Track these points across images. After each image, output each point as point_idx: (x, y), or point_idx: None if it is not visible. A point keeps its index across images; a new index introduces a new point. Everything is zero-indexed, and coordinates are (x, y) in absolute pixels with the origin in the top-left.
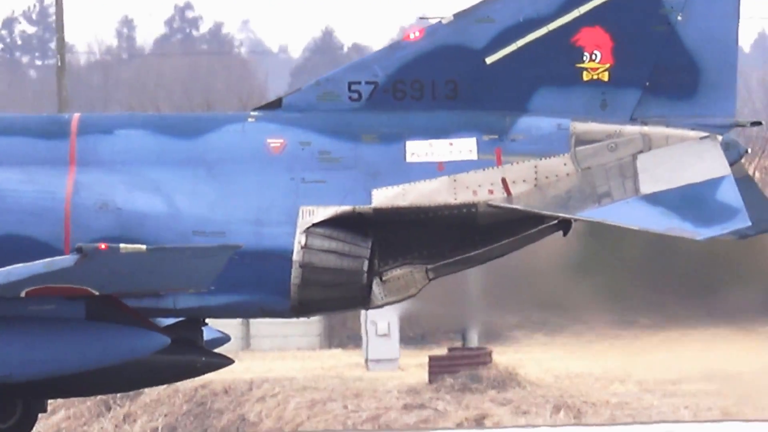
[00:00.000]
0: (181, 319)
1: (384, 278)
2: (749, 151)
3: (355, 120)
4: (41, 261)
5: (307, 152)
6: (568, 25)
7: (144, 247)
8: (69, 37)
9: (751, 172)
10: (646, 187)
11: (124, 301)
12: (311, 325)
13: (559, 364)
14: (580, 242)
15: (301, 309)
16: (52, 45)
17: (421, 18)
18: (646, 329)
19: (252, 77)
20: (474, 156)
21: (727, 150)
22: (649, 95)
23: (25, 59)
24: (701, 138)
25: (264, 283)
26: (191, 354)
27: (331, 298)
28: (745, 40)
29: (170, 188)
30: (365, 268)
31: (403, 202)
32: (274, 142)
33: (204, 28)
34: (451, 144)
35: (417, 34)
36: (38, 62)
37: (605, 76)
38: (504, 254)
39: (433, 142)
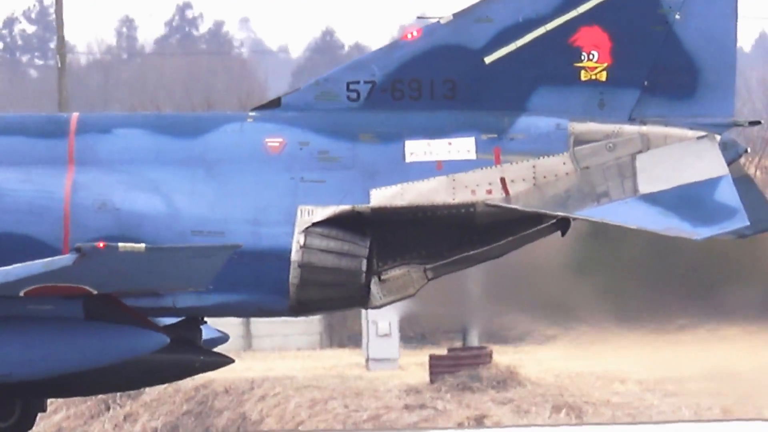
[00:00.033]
0: (180, 318)
1: (382, 278)
2: (748, 150)
3: (353, 120)
4: (40, 260)
5: (306, 152)
6: (567, 25)
7: (143, 246)
8: (69, 36)
9: (751, 172)
10: (645, 186)
11: (123, 300)
12: (312, 324)
13: (559, 364)
14: (580, 242)
15: (299, 308)
16: (52, 45)
17: (419, 18)
18: (646, 329)
19: (252, 77)
20: (472, 155)
21: (726, 150)
22: (648, 95)
23: (25, 59)
24: (699, 138)
25: (263, 283)
26: (190, 353)
27: (330, 297)
28: (746, 40)
29: (169, 188)
30: (364, 267)
31: (401, 201)
32: (273, 142)
33: (204, 27)
34: (449, 143)
35: (415, 34)
36: (38, 62)
37: (603, 76)
38: (503, 254)
39: (432, 141)
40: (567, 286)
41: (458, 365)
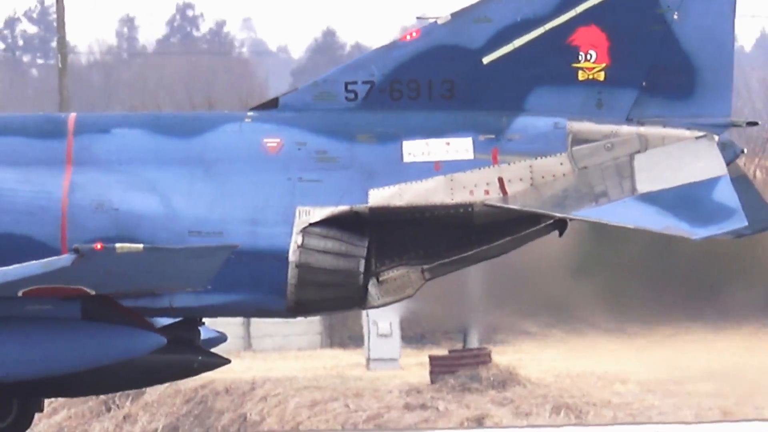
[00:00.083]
0: (177, 318)
1: (381, 278)
2: (745, 150)
3: (351, 120)
4: (38, 261)
5: (304, 152)
6: (564, 25)
7: (140, 246)
8: (70, 36)
9: (751, 172)
10: (643, 186)
11: (121, 300)
12: (312, 324)
13: (559, 364)
14: (581, 242)
15: (297, 309)
16: (54, 45)
17: (418, 18)
18: (647, 329)
19: (253, 77)
20: (470, 156)
21: (723, 150)
22: (646, 95)
23: (26, 59)
24: (697, 138)
25: (260, 283)
26: (188, 353)
27: (328, 298)
28: (746, 39)
29: (167, 188)
30: (362, 268)
31: (399, 201)
32: (271, 142)
33: (205, 27)
34: (447, 144)
35: (414, 34)
36: (39, 62)
37: (601, 76)
38: (501, 254)
39: (430, 141)
40: (567, 286)
41: (458, 365)
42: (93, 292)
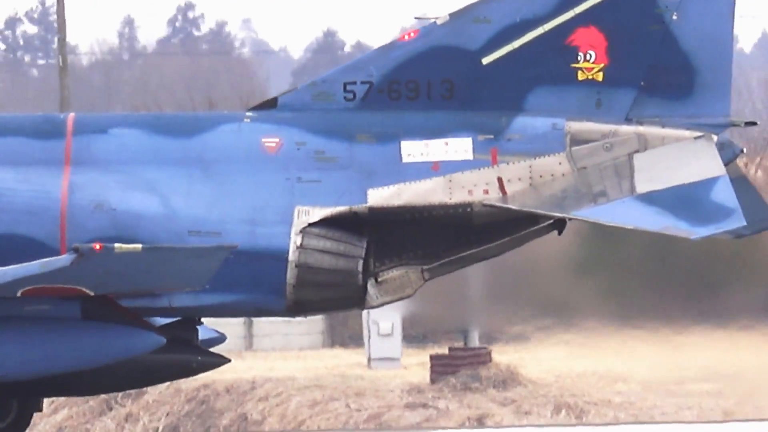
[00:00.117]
0: (176, 318)
1: (380, 278)
2: (744, 150)
3: (350, 120)
4: (37, 261)
5: (303, 152)
6: (564, 26)
7: (139, 246)
8: (71, 37)
9: (752, 172)
10: (642, 186)
11: (120, 300)
12: (313, 324)
13: (560, 364)
14: (582, 242)
15: (296, 309)
16: (54, 45)
17: (417, 18)
18: (648, 329)
19: (254, 77)
20: (469, 156)
21: (722, 150)
22: (645, 95)
23: (27, 59)
24: (696, 138)
25: (259, 283)
26: (187, 353)
27: (327, 298)
28: (747, 40)
29: (166, 188)
30: (360, 268)
31: (398, 201)
32: (270, 142)
33: (206, 27)
34: (446, 144)
35: (413, 34)
36: (40, 62)
37: (600, 76)
38: (500, 254)
39: (429, 142)
40: (568, 286)
41: (459, 365)
42: (92, 292)
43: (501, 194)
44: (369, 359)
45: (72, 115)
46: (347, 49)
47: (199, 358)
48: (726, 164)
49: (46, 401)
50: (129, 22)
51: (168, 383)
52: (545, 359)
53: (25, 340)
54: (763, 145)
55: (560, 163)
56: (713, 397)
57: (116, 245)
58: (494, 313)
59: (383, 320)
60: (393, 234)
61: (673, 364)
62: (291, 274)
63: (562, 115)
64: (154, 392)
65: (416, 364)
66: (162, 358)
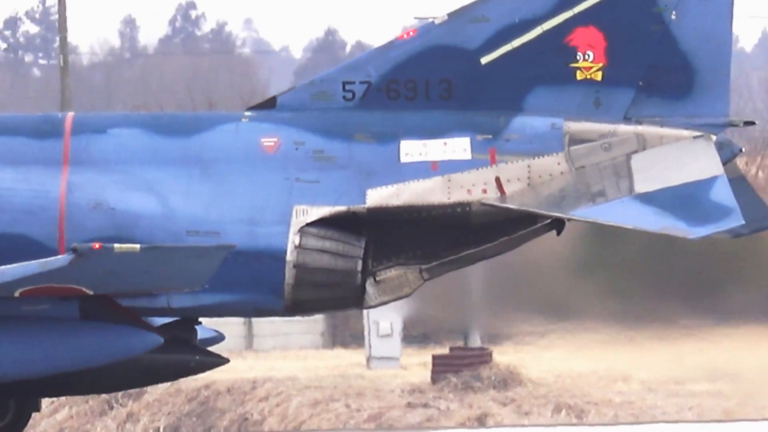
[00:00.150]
0: (175, 318)
1: (378, 278)
2: (743, 150)
3: (349, 120)
4: (35, 261)
5: (301, 152)
6: (562, 25)
7: (138, 246)
8: (72, 37)
9: (752, 172)
10: (641, 186)
11: (118, 300)
12: (314, 324)
13: (560, 364)
14: (582, 242)
15: (295, 309)
16: (55, 45)
17: (417, 18)
18: (648, 329)
19: (255, 77)
20: (468, 156)
21: (721, 150)
22: (643, 95)
23: (28, 59)
24: (695, 137)
25: (258, 283)
26: (185, 353)
27: (325, 298)
28: (747, 39)
29: (164, 188)
30: (359, 268)
31: (397, 201)
32: (268, 142)
33: (207, 27)
34: (445, 144)
35: (411, 34)
36: (41, 62)
37: (598, 76)
38: (498, 254)
39: (427, 141)
40: (569, 286)
41: (460, 365)
42: (91, 292)
43: (499, 194)
44: (368, 359)
45: (70, 114)
46: (348, 48)
47: (198, 357)
48: (725, 164)
49: (45, 401)
50: (130, 22)
51: (169, 383)
52: (546, 359)
53: (23, 340)
54: (763, 145)
55: (559, 163)
56: (714, 397)
57: (115, 245)
58: (495, 313)
59: (383, 320)
60: (391, 234)
61: (674, 364)
62: (289, 274)
63: (560, 115)
64: (154, 392)
65: (417, 364)
66: (160, 357)
